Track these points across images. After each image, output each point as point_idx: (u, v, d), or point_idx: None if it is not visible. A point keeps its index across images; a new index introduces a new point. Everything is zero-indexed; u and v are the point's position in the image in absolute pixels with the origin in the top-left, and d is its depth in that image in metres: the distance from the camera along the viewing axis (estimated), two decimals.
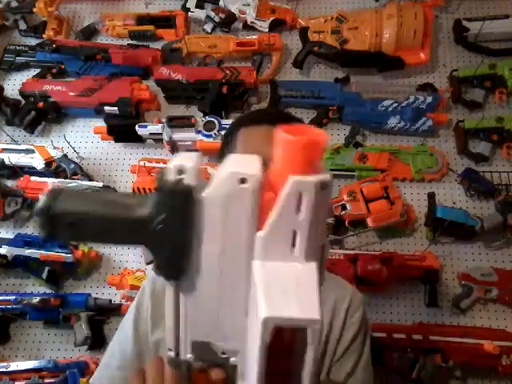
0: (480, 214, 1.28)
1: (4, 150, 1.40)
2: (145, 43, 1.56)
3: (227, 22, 1.52)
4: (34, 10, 1.53)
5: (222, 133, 1.31)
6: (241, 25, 1.56)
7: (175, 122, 1.34)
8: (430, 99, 1.37)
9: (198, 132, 1.34)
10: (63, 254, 1.26)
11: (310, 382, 0.28)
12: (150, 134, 1.38)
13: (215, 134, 1.33)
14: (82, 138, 1.49)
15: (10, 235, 1.35)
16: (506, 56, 1.44)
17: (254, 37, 1.49)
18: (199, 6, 1.54)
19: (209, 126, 1.34)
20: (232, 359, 0.34)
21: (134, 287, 1.22)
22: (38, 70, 1.56)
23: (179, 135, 1.35)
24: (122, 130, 1.41)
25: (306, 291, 0.27)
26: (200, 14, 1.54)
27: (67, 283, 1.33)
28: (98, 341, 1.25)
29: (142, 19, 1.57)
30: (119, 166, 1.45)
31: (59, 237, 0.32)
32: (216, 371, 0.36)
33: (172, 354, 0.36)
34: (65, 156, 1.39)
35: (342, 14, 1.45)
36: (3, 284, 1.35)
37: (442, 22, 1.54)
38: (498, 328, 1.21)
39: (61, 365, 1.17)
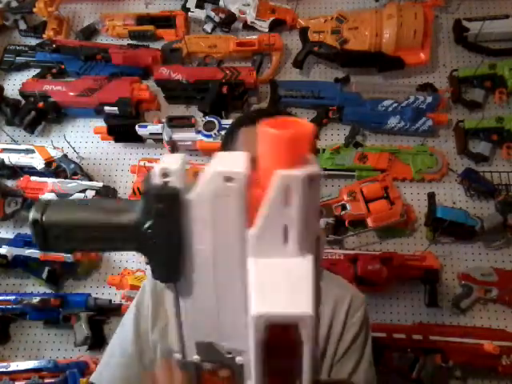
0: (480, 214, 1.28)
1: (4, 149, 1.40)
2: (145, 43, 1.56)
3: (227, 21, 1.52)
4: (34, 10, 1.52)
5: (222, 133, 1.31)
6: (241, 25, 1.55)
7: (175, 122, 1.34)
8: (429, 99, 1.37)
9: (198, 132, 1.34)
10: (63, 254, 1.25)
11: (309, 380, 0.28)
12: (150, 134, 1.38)
13: (215, 134, 1.33)
14: (82, 138, 1.49)
15: (9, 235, 1.35)
16: (506, 56, 1.44)
17: (254, 37, 1.49)
18: (199, 5, 1.54)
19: (209, 126, 1.34)
20: (238, 358, 0.34)
21: (134, 287, 1.21)
22: (38, 70, 1.56)
23: (179, 135, 1.35)
24: (122, 130, 1.40)
25: (299, 286, 0.27)
26: (200, 13, 1.54)
27: (67, 283, 1.33)
28: (97, 341, 1.25)
29: (141, 19, 1.57)
30: (119, 166, 1.45)
31: (52, 247, 0.32)
32: (223, 371, 0.35)
33: (179, 356, 0.36)
34: (65, 156, 1.39)
35: (342, 13, 1.45)
36: (3, 284, 1.35)
37: (442, 22, 1.54)
38: (498, 328, 1.21)
39: (61, 365, 1.17)
